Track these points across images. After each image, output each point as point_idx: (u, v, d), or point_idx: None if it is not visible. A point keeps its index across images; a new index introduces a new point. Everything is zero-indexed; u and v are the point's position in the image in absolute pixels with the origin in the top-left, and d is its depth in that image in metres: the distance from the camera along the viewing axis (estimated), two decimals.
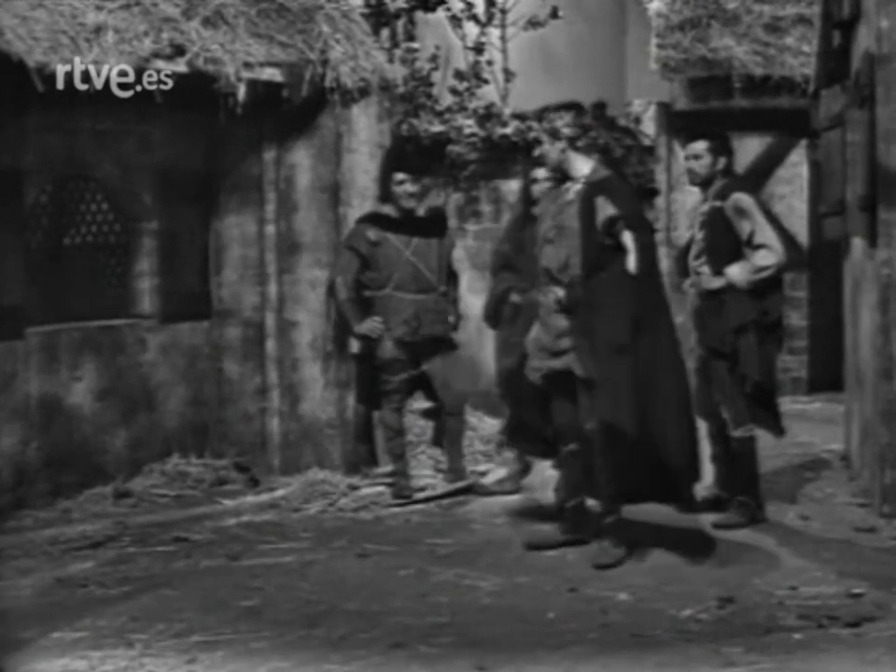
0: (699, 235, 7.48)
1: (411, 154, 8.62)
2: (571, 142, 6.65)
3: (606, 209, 6.53)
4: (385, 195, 8.34)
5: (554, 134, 6.66)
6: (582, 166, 6.69)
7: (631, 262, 6.48)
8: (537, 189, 7.78)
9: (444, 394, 8.31)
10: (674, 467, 6.51)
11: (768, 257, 7.27)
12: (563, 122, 6.66)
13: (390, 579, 6.45)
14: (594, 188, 6.59)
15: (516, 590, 6.23)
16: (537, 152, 6.83)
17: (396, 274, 8.19)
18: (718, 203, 7.38)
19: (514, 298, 7.93)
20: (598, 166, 6.74)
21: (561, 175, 6.80)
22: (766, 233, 7.29)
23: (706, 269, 7.40)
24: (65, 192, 8.32)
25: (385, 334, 8.17)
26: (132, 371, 8.52)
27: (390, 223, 8.25)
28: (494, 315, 8.19)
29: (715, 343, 7.37)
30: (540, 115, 6.83)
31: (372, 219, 8.31)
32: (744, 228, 7.31)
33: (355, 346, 8.49)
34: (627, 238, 6.50)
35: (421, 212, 8.36)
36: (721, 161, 7.46)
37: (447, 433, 8.42)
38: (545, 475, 7.92)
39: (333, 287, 8.36)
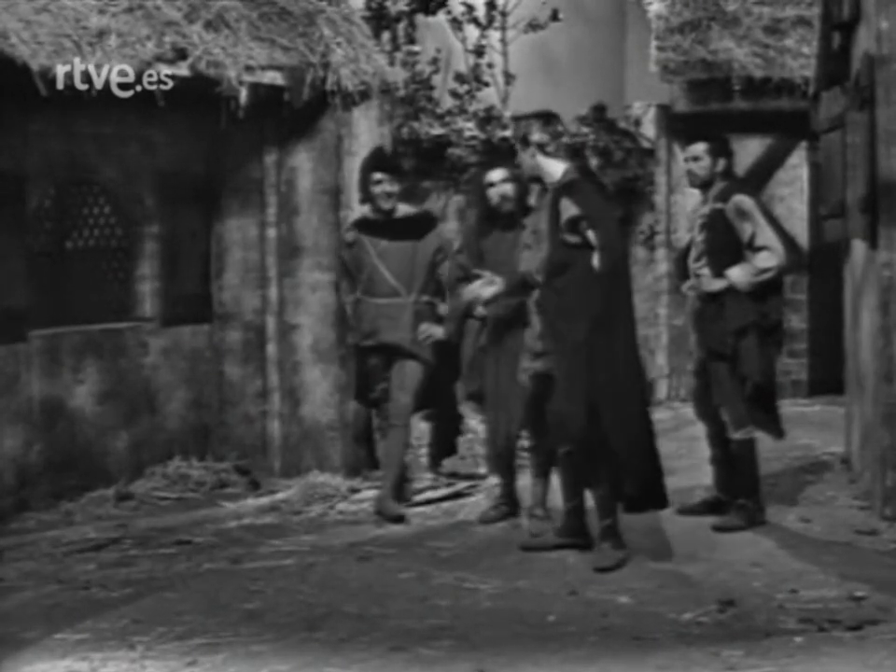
0: (699, 237, 7.49)
1: (389, 154, 8.47)
2: (541, 148, 6.70)
3: (569, 210, 6.59)
4: (365, 196, 7.99)
5: (525, 141, 6.73)
6: (555, 171, 6.73)
7: (595, 260, 6.54)
8: (493, 193, 7.48)
9: (392, 403, 7.77)
10: (630, 466, 6.55)
11: (770, 258, 7.27)
12: (533, 129, 6.72)
13: (390, 582, 6.46)
14: (560, 190, 6.66)
15: (516, 593, 6.23)
16: (516, 160, 6.89)
17: (364, 277, 7.89)
18: (718, 205, 7.37)
19: (480, 311, 7.38)
20: (569, 169, 6.73)
21: (540, 181, 6.86)
22: (767, 235, 7.29)
23: (706, 271, 7.40)
24: (68, 196, 8.34)
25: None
26: (133, 373, 8.53)
27: (369, 225, 7.92)
28: (458, 330, 7.59)
29: (715, 344, 7.37)
30: (513, 124, 6.94)
31: (357, 222, 8.03)
32: (745, 230, 7.31)
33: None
34: (591, 237, 6.55)
35: (401, 213, 7.90)
36: (721, 163, 7.46)
37: (387, 443, 7.86)
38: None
39: (339, 289, 8.33)
